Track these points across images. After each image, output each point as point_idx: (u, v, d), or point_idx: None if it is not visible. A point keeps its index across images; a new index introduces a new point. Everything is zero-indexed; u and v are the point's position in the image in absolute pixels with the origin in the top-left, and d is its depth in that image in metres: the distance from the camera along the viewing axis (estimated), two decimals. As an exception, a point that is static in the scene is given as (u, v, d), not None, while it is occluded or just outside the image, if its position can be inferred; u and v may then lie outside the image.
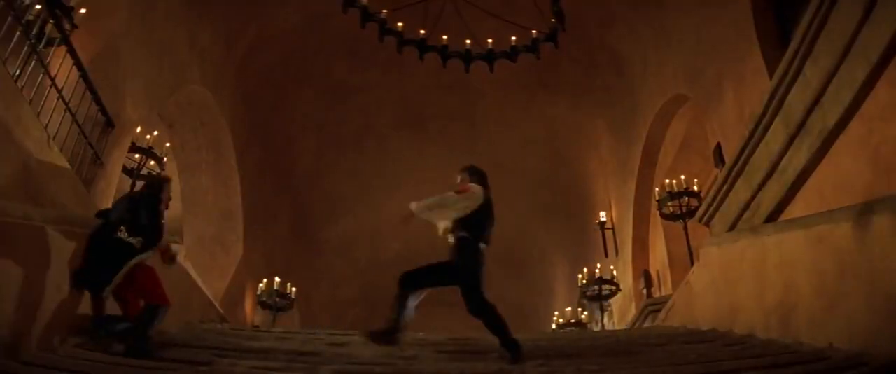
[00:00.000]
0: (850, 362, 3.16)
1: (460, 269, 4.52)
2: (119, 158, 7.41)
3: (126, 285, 4.34)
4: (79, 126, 6.28)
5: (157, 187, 4.78)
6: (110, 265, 4.25)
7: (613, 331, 8.98)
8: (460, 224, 4.61)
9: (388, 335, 4.41)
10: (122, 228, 4.37)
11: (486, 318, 4.38)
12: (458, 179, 4.97)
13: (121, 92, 7.28)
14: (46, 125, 5.56)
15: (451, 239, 4.65)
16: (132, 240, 4.34)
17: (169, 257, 4.77)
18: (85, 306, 4.30)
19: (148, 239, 4.41)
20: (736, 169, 6.38)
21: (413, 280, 4.56)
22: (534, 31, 7.68)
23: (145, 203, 4.57)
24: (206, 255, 10.80)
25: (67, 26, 6.00)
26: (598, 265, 11.16)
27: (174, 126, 9.96)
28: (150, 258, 4.49)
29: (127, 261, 4.27)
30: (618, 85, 10.90)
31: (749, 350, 4.16)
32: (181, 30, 8.79)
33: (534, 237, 15.54)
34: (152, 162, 8.02)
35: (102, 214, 4.70)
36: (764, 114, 5.75)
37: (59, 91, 5.89)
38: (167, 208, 4.77)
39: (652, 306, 8.89)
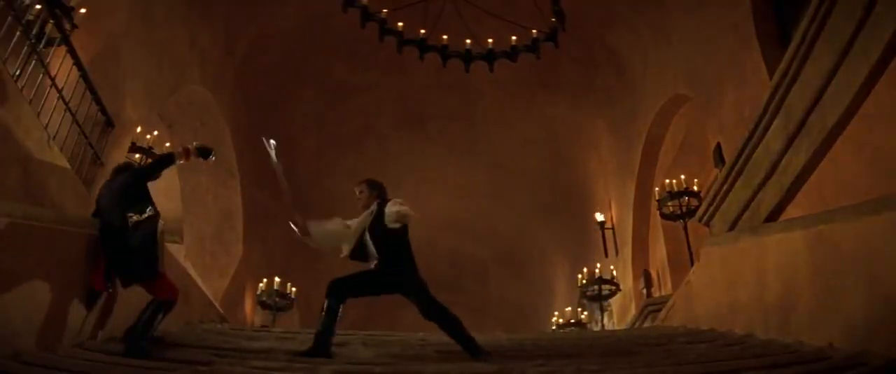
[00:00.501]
0: (850, 362, 3.16)
1: (406, 279, 4.50)
2: (119, 158, 7.40)
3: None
4: (79, 126, 6.28)
5: (127, 167, 4.80)
6: (147, 249, 4.27)
7: (613, 331, 8.98)
8: (394, 238, 4.55)
9: (318, 351, 4.25)
10: (130, 215, 4.35)
11: (443, 321, 4.39)
12: (357, 191, 4.82)
13: (121, 92, 7.29)
14: (46, 125, 5.56)
15: (375, 253, 4.57)
16: (145, 215, 4.35)
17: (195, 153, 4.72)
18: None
19: (152, 204, 4.43)
20: (736, 169, 6.38)
21: (345, 290, 4.47)
22: (534, 31, 7.68)
23: (126, 183, 4.53)
24: (206, 255, 10.81)
25: (67, 26, 6.01)
26: (598, 265, 11.17)
27: (174, 126, 9.96)
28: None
29: (156, 238, 4.30)
30: (618, 85, 10.90)
31: (749, 350, 4.16)
32: (181, 30, 8.79)
33: (534, 237, 15.54)
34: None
35: (98, 213, 4.69)
36: (764, 114, 5.75)
37: (60, 91, 5.89)
38: None
39: (652, 306, 8.89)
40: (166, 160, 4.81)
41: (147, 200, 4.45)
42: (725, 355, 4.05)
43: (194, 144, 4.87)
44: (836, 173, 4.83)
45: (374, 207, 4.69)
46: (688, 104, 9.19)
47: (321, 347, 4.27)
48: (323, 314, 4.39)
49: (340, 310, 4.42)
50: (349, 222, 4.77)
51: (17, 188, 4.95)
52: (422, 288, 4.49)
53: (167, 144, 8.81)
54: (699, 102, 8.36)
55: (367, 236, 4.63)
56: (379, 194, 4.78)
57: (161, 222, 4.42)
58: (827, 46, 4.73)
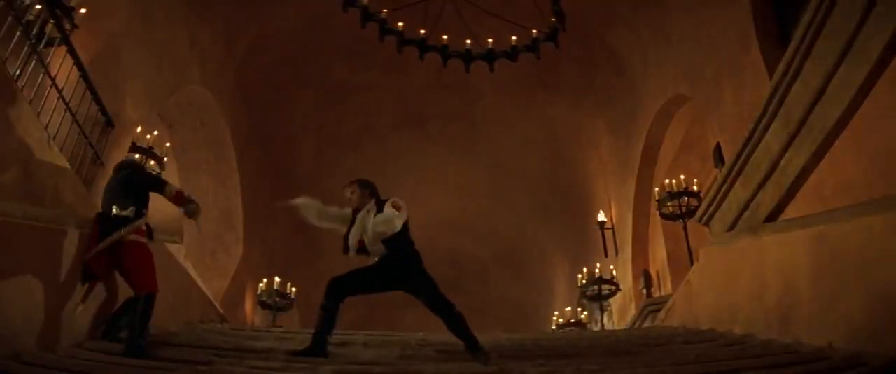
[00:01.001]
0: (850, 362, 3.17)
1: (413, 275, 4.50)
2: (119, 159, 7.40)
3: (117, 264, 4.43)
4: (79, 126, 6.28)
5: (132, 165, 4.91)
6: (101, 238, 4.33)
7: (613, 331, 8.98)
8: (397, 234, 4.55)
9: (315, 350, 4.22)
10: (114, 207, 4.47)
11: (447, 317, 4.38)
12: (349, 192, 4.79)
13: (121, 92, 7.29)
14: (46, 125, 5.56)
15: (380, 249, 4.55)
16: (125, 212, 4.43)
17: (184, 203, 4.75)
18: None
19: (138, 208, 4.49)
20: (736, 169, 6.38)
21: (346, 288, 4.44)
22: (534, 31, 7.67)
23: (126, 179, 4.64)
24: (206, 255, 10.81)
25: (67, 26, 6.00)
26: (598, 265, 11.17)
27: (174, 126, 9.96)
28: (139, 230, 4.49)
29: (110, 231, 4.33)
30: (618, 85, 10.90)
31: (749, 350, 4.16)
32: (181, 30, 8.79)
33: (534, 237, 15.54)
34: (152, 162, 8.02)
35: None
36: (764, 114, 5.75)
37: (60, 91, 5.89)
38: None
39: (652, 306, 8.89)
40: (159, 185, 4.83)
41: (136, 202, 4.51)
42: (725, 355, 4.05)
43: (190, 195, 4.90)
44: (836, 173, 4.83)
45: (371, 205, 4.69)
46: (688, 104, 9.19)
47: (318, 347, 4.24)
48: (321, 312, 4.36)
49: (339, 309, 4.40)
50: (345, 210, 4.80)
51: (17, 188, 4.94)
52: (430, 284, 4.48)
53: (167, 144, 8.80)
54: (699, 102, 8.36)
55: (367, 234, 4.61)
56: (372, 192, 4.79)
57: (134, 224, 4.41)
58: (827, 46, 4.73)
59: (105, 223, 4.41)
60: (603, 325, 11.46)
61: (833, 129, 4.72)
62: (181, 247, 10.39)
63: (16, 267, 3.58)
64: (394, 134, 13.12)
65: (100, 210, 4.68)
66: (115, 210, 4.45)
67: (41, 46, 5.68)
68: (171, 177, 9.41)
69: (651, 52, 9.66)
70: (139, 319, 4.17)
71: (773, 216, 5.73)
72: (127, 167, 4.87)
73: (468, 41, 7.63)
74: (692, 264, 7.62)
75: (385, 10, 7.36)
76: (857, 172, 4.53)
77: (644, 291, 10.13)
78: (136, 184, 4.64)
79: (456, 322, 4.36)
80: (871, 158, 4.35)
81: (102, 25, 6.99)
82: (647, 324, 8.67)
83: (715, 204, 6.91)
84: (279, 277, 11.32)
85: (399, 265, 4.53)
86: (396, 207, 4.58)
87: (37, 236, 3.84)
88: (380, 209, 4.63)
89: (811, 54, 4.98)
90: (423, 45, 7.47)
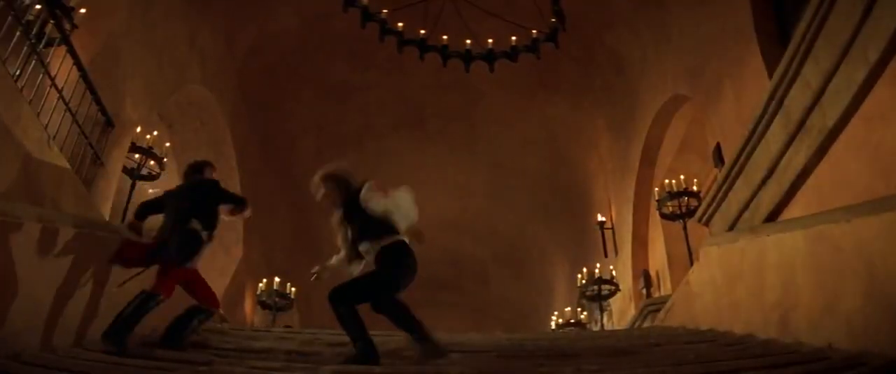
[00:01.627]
0: (850, 362, 3.16)
1: (403, 272, 4.12)
2: (119, 158, 7.42)
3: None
4: (79, 126, 6.28)
5: (206, 173, 5.04)
6: (187, 251, 4.58)
7: (613, 331, 8.98)
8: (389, 231, 4.11)
9: (365, 357, 3.97)
10: (195, 220, 4.63)
11: (394, 313, 4.08)
12: (319, 196, 4.40)
13: (121, 92, 7.29)
14: (46, 125, 5.56)
15: (373, 250, 4.18)
16: (204, 234, 4.67)
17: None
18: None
19: (211, 230, 4.73)
20: (735, 169, 6.38)
21: (352, 295, 4.15)
22: (534, 31, 7.68)
23: (206, 193, 4.86)
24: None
25: (67, 26, 6.00)
26: (598, 265, 11.17)
27: (174, 126, 9.96)
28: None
29: (198, 249, 4.62)
30: (618, 85, 10.90)
31: (748, 350, 4.16)
32: (181, 29, 8.79)
33: (534, 237, 15.55)
34: (152, 162, 8.03)
35: (153, 205, 4.85)
36: (763, 114, 5.75)
37: (60, 91, 5.89)
38: None
39: (651, 306, 8.89)
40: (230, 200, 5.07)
41: (208, 216, 4.70)
42: (725, 355, 4.05)
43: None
44: (836, 173, 4.82)
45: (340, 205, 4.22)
46: (687, 104, 9.19)
47: (366, 352, 3.99)
48: (343, 321, 4.12)
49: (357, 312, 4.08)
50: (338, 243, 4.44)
51: (17, 188, 4.95)
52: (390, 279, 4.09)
53: (167, 144, 8.80)
54: (699, 101, 8.36)
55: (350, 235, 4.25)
56: (345, 186, 4.26)
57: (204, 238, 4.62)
58: (827, 46, 4.73)
59: (181, 231, 4.49)
60: (603, 325, 11.47)
61: (833, 129, 4.72)
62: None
63: (16, 267, 3.58)
64: (394, 134, 13.13)
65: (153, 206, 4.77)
66: (196, 224, 4.59)
67: (41, 46, 5.68)
68: (172, 177, 9.41)
69: (651, 52, 9.66)
70: (131, 313, 4.15)
71: (773, 216, 5.73)
72: (199, 170, 4.96)
73: (468, 41, 7.64)
74: (692, 264, 7.62)
75: (385, 11, 7.37)
76: (857, 172, 4.53)
77: (644, 291, 10.13)
78: (212, 201, 4.79)
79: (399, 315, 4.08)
80: (871, 158, 4.35)
81: (102, 25, 6.99)
82: (646, 324, 8.67)
83: (715, 204, 6.91)
84: (279, 277, 11.32)
85: (397, 261, 4.15)
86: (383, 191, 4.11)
87: (37, 236, 3.84)
88: (351, 202, 4.14)
89: (811, 54, 4.98)
90: (423, 45, 7.48)
